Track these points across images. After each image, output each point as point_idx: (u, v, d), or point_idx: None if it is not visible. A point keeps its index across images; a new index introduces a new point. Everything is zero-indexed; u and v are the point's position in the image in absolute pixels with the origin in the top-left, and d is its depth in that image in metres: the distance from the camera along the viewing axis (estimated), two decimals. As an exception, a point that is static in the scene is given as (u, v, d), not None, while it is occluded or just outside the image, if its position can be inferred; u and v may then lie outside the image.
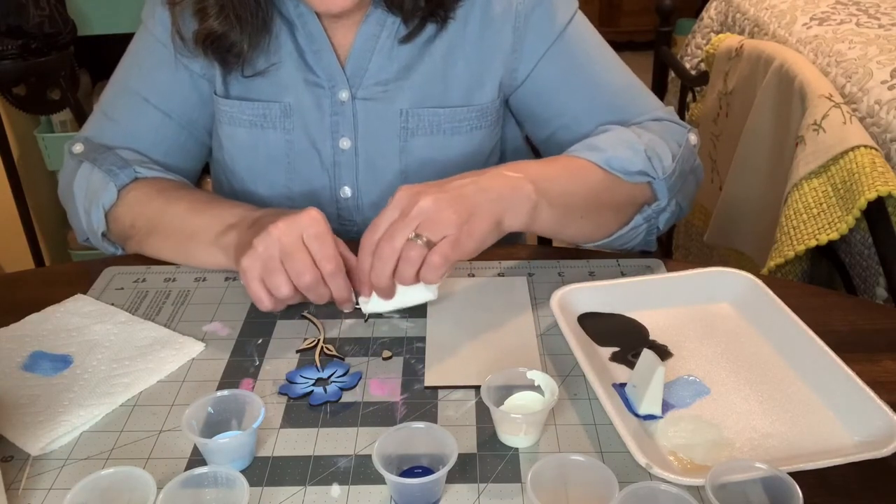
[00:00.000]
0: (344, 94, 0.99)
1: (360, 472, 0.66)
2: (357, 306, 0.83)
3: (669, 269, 0.93)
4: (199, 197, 0.96)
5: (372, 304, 0.81)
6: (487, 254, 0.96)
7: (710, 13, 2.03)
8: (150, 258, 0.96)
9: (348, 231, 1.05)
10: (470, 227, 0.77)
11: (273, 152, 1.02)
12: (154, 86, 1.01)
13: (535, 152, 1.15)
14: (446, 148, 1.01)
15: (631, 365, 0.77)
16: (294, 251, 0.78)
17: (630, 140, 0.94)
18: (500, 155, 1.10)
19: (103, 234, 0.98)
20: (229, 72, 0.99)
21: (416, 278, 0.76)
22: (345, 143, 1.01)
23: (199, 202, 0.94)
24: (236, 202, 0.95)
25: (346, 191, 1.03)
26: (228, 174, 1.06)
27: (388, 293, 0.79)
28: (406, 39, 0.97)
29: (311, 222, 0.79)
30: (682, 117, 1.87)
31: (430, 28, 0.98)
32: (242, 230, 0.86)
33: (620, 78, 1.03)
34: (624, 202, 0.94)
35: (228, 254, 0.87)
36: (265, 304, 0.80)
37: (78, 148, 1.00)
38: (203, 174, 2.69)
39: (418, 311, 0.87)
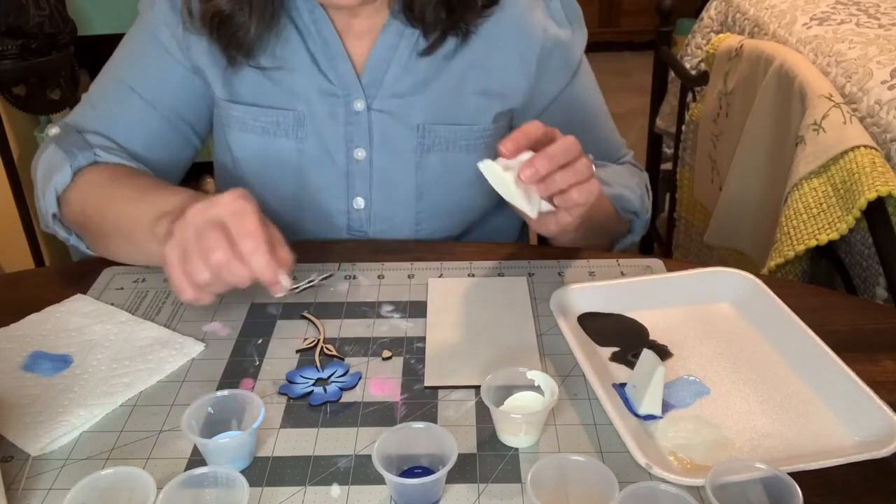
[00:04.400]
0: (359, 104, 0.98)
1: (360, 472, 0.66)
2: (290, 289, 0.74)
3: (669, 269, 0.93)
4: (146, 183, 0.90)
5: (499, 169, 0.76)
6: (487, 254, 0.97)
7: (710, 13, 2.03)
8: (111, 260, 0.93)
9: None
10: None
11: (283, 160, 1.01)
12: (142, 75, 0.99)
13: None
14: (461, 165, 1.01)
15: (631, 365, 0.77)
16: (206, 230, 0.71)
17: (628, 181, 1.06)
18: None
19: (54, 216, 0.94)
20: (235, 60, 0.96)
21: (563, 190, 0.76)
22: (359, 154, 1.00)
23: (144, 189, 0.88)
24: (182, 189, 0.87)
25: (359, 201, 1.02)
26: (236, 180, 1.05)
27: (533, 177, 0.75)
28: (426, 52, 0.96)
29: (231, 200, 0.72)
30: (681, 117, 1.88)
31: (450, 43, 0.97)
32: (174, 217, 0.77)
33: (609, 121, 1.12)
34: (613, 234, 1.03)
35: (161, 244, 0.78)
36: (186, 293, 0.72)
37: (54, 131, 0.98)
38: (203, 173, 2.68)
39: (418, 311, 0.87)
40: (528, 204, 0.78)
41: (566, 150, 0.76)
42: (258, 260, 0.71)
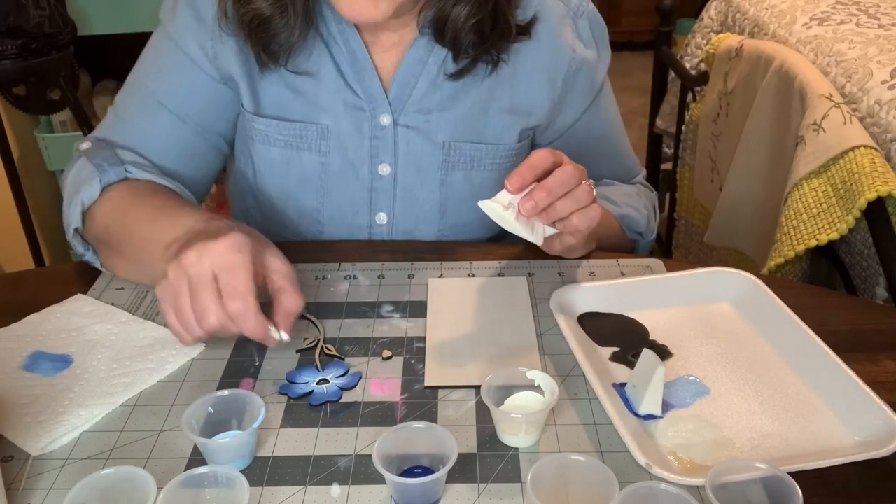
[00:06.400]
0: (385, 119, 0.97)
1: (360, 472, 0.66)
2: (280, 339, 0.75)
3: (669, 269, 0.93)
4: (164, 203, 0.88)
5: (499, 208, 0.77)
6: (487, 254, 0.97)
7: (710, 13, 2.03)
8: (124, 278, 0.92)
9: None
10: None
11: (306, 174, 0.99)
12: (170, 89, 0.97)
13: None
14: (485, 183, 1.01)
15: (631, 365, 0.77)
16: (199, 288, 0.71)
17: (636, 201, 1.08)
18: None
19: (76, 230, 0.91)
20: (265, 66, 0.94)
21: (564, 217, 0.78)
22: (384, 169, 0.99)
23: (161, 209, 0.86)
24: (194, 209, 0.86)
25: (382, 217, 1.01)
26: (257, 193, 1.03)
27: (532, 211, 0.76)
28: (455, 77, 0.96)
29: (224, 251, 0.71)
30: (681, 117, 1.88)
31: (480, 67, 0.96)
32: (182, 246, 0.76)
33: (625, 141, 1.13)
34: (618, 250, 1.01)
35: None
36: (184, 339, 0.73)
37: (85, 145, 0.96)
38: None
39: (418, 311, 0.87)
40: (531, 234, 0.80)
41: (565, 181, 0.77)
42: (246, 322, 0.72)
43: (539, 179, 0.77)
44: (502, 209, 0.77)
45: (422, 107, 0.98)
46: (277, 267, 0.77)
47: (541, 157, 0.78)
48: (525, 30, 0.96)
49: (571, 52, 1.00)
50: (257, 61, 0.94)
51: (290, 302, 0.76)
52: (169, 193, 0.93)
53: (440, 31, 0.92)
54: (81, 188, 0.91)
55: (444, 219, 1.02)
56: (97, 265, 0.93)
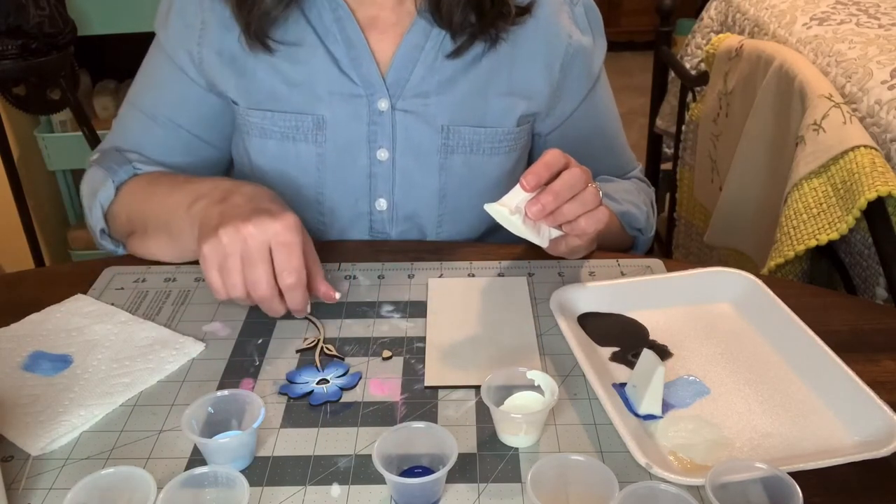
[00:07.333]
0: (383, 104, 0.97)
1: (360, 471, 0.66)
2: (309, 315, 0.81)
3: (669, 269, 0.93)
4: (183, 178, 0.94)
5: (506, 212, 0.77)
6: (487, 254, 0.97)
7: (710, 13, 2.03)
8: (150, 259, 0.96)
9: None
10: None
11: (303, 165, 1.00)
12: (161, 100, 1.01)
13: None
14: (484, 167, 1.01)
15: (631, 365, 0.77)
16: (256, 260, 0.76)
17: (635, 197, 1.07)
18: None
19: (102, 231, 0.99)
20: (254, 46, 0.95)
21: (571, 220, 0.79)
22: (382, 155, 0.99)
23: (180, 182, 0.92)
24: (220, 178, 0.91)
25: (382, 203, 1.01)
26: None
27: (539, 215, 0.77)
28: (454, 55, 0.96)
29: (283, 230, 0.77)
30: (681, 117, 1.88)
31: (478, 46, 0.97)
32: (212, 201, 0.83)
33: (622, 135, 1.13)
34: (618, 248, 1.03)
35: (195, 225, 0.83)
36: (220, 294, 0.78)
37: (95, 156, 1.02)
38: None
39: (418, 311, 0.87)
40: (537, 236, 0.80)
41: (572, 185, 0.78)
42: (295, 295, 0.78)
43: (548, 181, 0.78)
44: (509, 213, 0.77)
45: (420, 91, 0.98)
46: (312, 251, 0.82)
47: (555, 157, 0.78)
48: (526, 10, 0.97)
49: (568, 37, 1.00)
50: (246, 39, 0.95)
51: (326, 286, 0.83)
52: (180, 174, 0.98)
53: (437, 8, 0.93)
54: (98, 192, 0.98)
55: (445, 203, 1.02)
56: (121, 251, 1.00)
